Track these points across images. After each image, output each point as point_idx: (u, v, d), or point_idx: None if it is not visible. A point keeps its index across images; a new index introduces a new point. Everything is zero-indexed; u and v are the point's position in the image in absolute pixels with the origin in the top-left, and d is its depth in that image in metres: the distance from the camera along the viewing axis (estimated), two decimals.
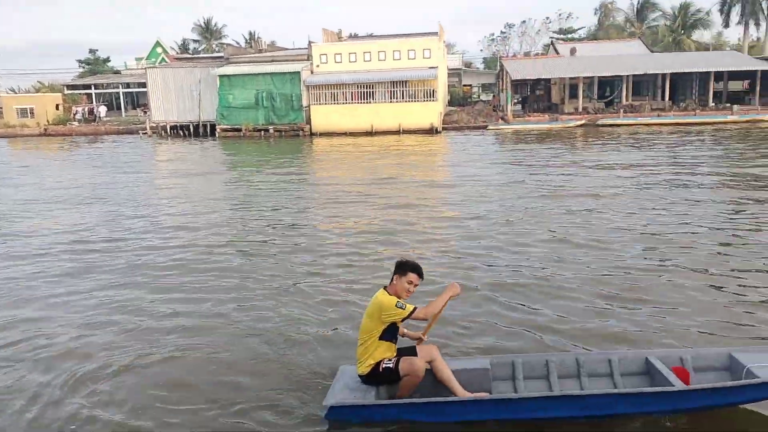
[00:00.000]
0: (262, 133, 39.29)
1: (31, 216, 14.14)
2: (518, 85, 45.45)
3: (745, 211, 11.92)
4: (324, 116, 39.22)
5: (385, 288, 4.94)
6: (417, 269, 4.87)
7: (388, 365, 4.76)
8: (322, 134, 38.38)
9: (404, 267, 4.87)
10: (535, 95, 47.66)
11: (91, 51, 69.74)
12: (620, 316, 6.72)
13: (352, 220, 12.44)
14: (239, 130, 39.52)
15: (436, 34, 43.82)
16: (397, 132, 37.76)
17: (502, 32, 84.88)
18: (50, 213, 14.47)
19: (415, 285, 4.87)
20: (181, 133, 42.16)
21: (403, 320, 4.82)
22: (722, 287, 7.54)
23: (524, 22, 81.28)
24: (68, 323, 7.11)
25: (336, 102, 39.47)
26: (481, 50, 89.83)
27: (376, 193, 15.81)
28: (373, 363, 4.79)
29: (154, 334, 6.69)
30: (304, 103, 39.28)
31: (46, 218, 13.77)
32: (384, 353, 4.82)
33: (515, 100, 44.98)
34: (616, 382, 4.98)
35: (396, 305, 4.71)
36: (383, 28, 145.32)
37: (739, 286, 7.56)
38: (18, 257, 10.25)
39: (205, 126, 41.58)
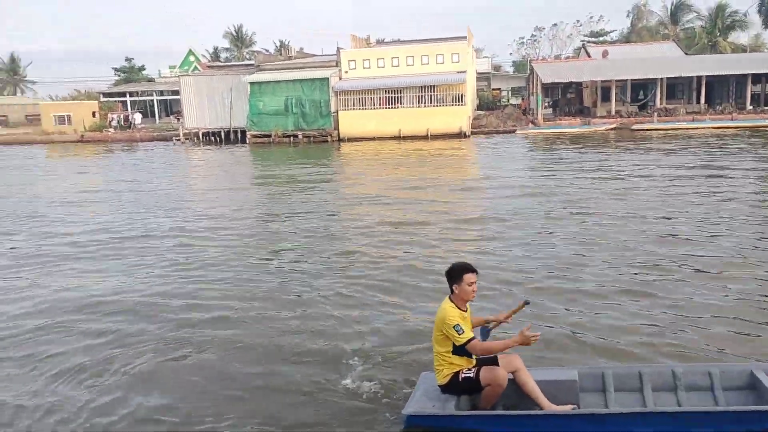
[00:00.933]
0: (291, 138, 39.63)
1: (67, 215, 14.73)
2: (549, 88, 44.95)
3: None
4: (352, 122, 39.36)
5: (450, 298, 4.73)
6: (468, 268, 4.67)
7: (468, 375, 4.59)
8: (350, 139, 38.48)
9: (456, 273, 4.66)
10: (566, 99, 47.11)
11: (128, 59, 71.42)
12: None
13: (384, 224, 12.41)
14: (269, 136, 39.93)
15: (464, 38, 43.63)
16: (425, 137, 37.62)
17: (532, 35, 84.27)
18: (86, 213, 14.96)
19: (475, 283, 4.66)
20: (213, 140, 42.80)
21: (458, 345, 4.60)
22: None
23: (555, 25, 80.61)
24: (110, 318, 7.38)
25: (364, 107, 39.57)
26: (511, 54, 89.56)
27: (403, 197, 15.80)
28: (451, 373, 4.63)
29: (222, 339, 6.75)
30: (333, 108, 39.49)
31: (81, 216, 14.17)
32: (462, 364, 4.65)
33: (546, 104, 44.48)
34: (717, 397, 4.63)
35: (455, 327, 4.51)
36: (411, 33, 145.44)
37: None
38: (49, 256, 10.54)
39: (236, 132, 42.12)
